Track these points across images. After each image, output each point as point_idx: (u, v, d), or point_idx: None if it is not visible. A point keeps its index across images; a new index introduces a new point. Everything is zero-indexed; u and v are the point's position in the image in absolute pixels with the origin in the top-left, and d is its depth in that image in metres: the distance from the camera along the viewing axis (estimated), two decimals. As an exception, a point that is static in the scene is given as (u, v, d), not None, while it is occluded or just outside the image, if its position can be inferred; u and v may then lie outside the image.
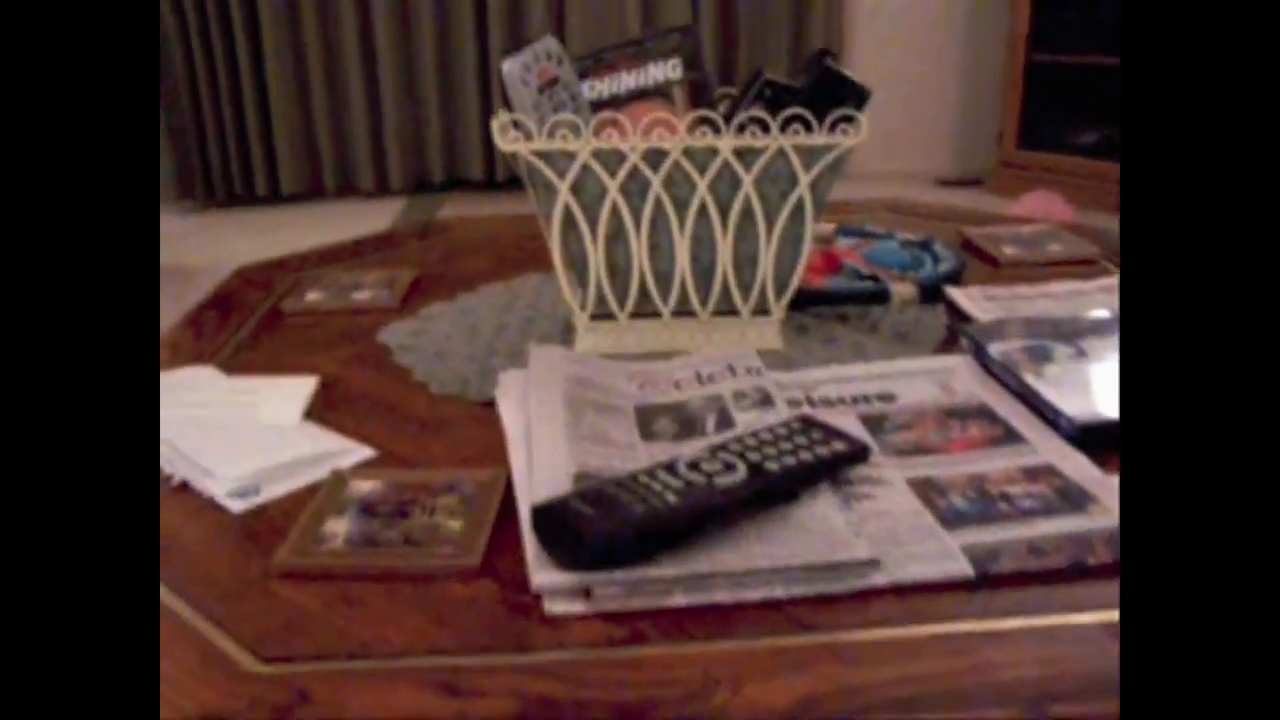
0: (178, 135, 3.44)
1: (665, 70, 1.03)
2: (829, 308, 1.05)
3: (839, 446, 0.70)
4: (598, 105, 0.96)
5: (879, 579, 0.60)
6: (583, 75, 0.99)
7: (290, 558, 0.63)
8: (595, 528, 0.59)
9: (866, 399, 0.83)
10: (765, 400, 0.81)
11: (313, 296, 1.14)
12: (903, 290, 1.07)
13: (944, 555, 0.61)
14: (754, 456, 0.67)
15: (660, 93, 1.03)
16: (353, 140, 3.51)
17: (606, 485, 0.63)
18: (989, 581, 0.60)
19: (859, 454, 0.70)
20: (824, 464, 0.68)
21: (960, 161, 3.82)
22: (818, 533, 0.63)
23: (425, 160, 3.53)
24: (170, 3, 3.28)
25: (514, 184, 3.12)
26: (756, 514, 0.65)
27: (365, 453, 0.78)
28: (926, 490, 0.69)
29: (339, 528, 0.66)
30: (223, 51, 3.36)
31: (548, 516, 0.61)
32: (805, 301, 1.04)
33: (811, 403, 0.83)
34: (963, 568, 0.60)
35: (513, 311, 1.08)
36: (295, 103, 3.44)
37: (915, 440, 0.76)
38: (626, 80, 1.03)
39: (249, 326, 1.08)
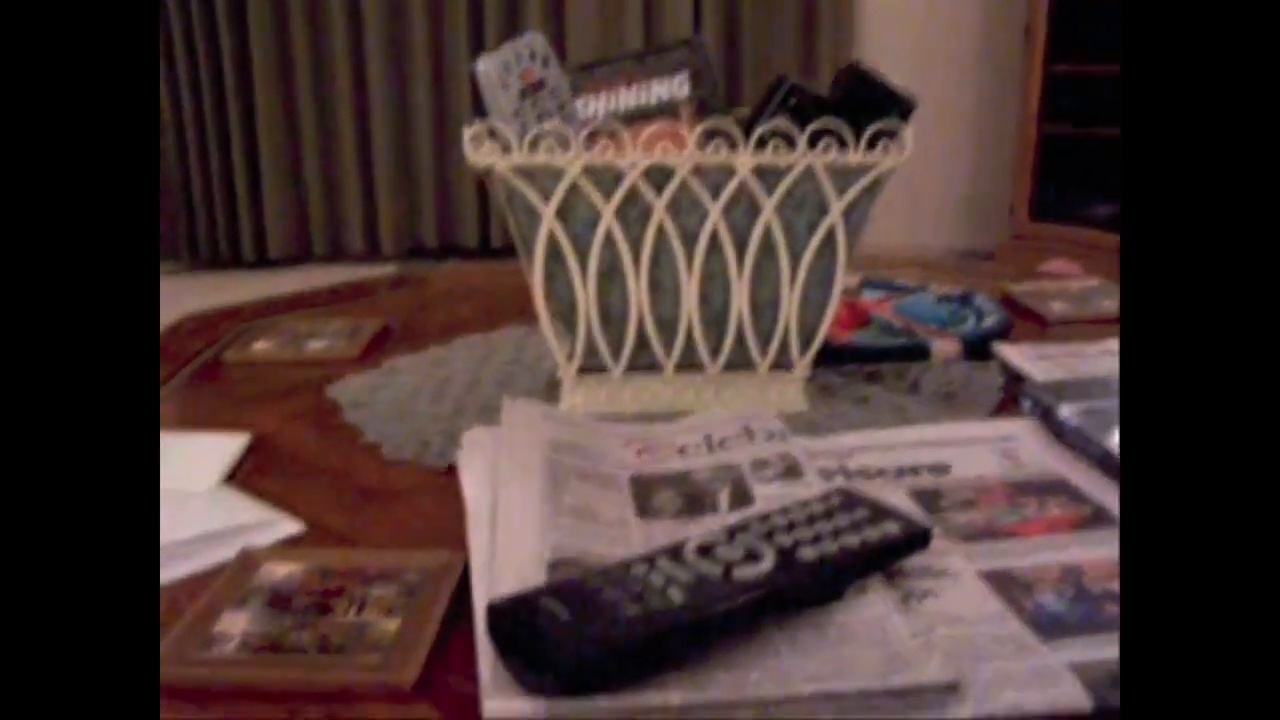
0: (164, 195, 3.33)
1: (671, 87, 0.89)
2: (858, 365, 0.90)
3: (891, 528, 0.54)
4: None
5: (961, 711, 0.43)
6: (575, 93, 0.85)
7: (162, 667, 0.46)
8: (572, 636, 0.43)
9: (915, 470, 0.68)
10: (792, 470, 0.65)
11: (260, 346, 0.99)
12: (945, 346, 0.91)
13: (1046, 677, 0.45)
14: (784, 540, 0.51)
15: (665, 113, 0.90)
16: (344, 203, 3.40)
17: (590, 577, 0.47)
18: (1110, 716, 0.44)
19: (918, 538, 0.54)
20: (874, 551, 0.52)
21: (969, 235, 3.70)
22: (872, 644, 0.47)
23: (418, 225, 3.42)
24: (162, 58, 3.19)
25: (510, 251, 3.00)
26: (790, 618, 0.49)
27: (290, 528, 0.62)
28: (1006, 586, 0.53)
29: (236, 626, 0.50)
30: (212, 109, 3.26)
31: (509, 619, 0.45)
32: (831, 358, 0.89)
33: (848, 474, 0.67)
34: (1074, 696, 0.44)
35: (489, 365, 0.92)
36: (286, 163, 3.33)
37: (983, 521, 0.60)
38: (626, 98, 0.89)
39: (180, 378, 0.93)
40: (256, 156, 3.32)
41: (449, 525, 0.61)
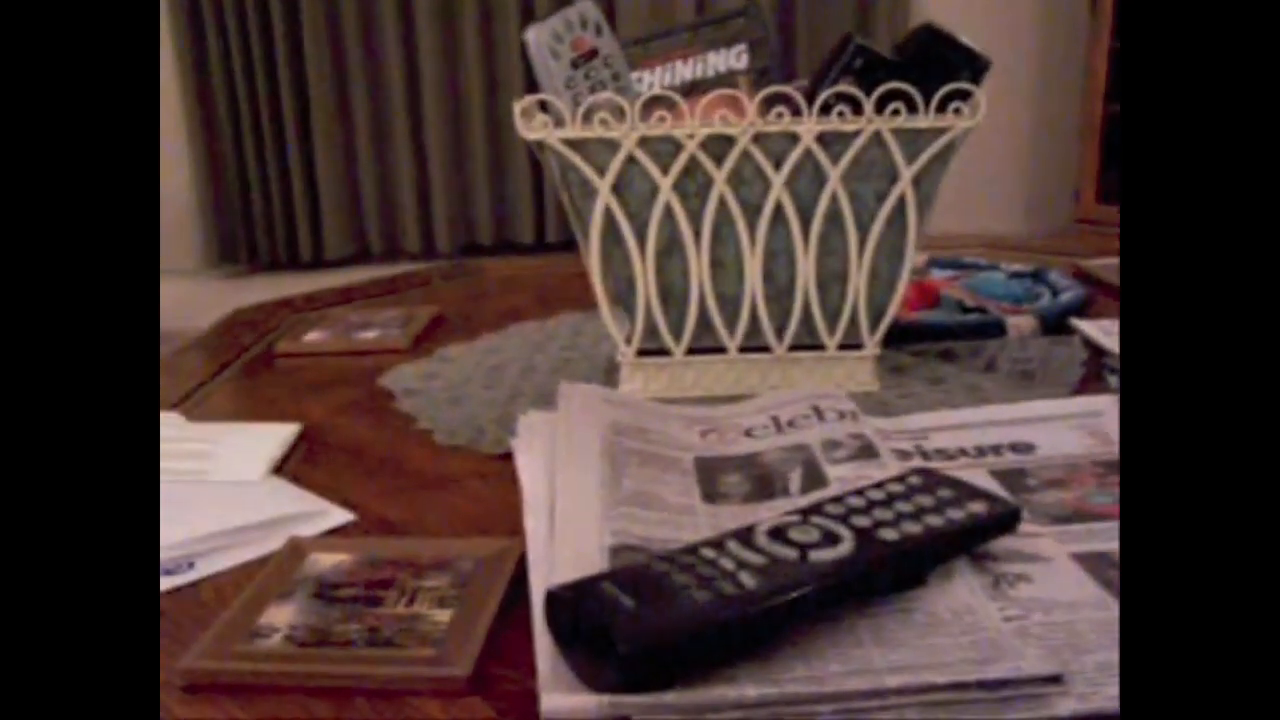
0: (222, 198, 3.35)
1: (728, 59, 0.86)
2: (930, 344, 0.85)
3: (978, 508, 0.50)
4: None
5: (1063, 707, 0.39)
6: (630, 69, 0.82)
7: (202, 661, 0.44)
8: (636, 625, 0.40)
9: (997, 450, 0.63)
10: (866, 451, 0.61)
11: (312, 337, 0.97)
12: (1021, 323, 0.87)
13: (1157, 669, 0.41)
14: (862, 521, 0.48)
15: (723, 86, 0.86)
16: (399, 202, 3.40)
17: (654, 563, 0.44)
18: (1232, 711, 0.39)
19: (1007, 518, 0.50)
20: (960, 532, 0.48)
21: (1032, 221, 3.61)
22: (963, 632, 0.43)
23: (473, 222, 3.40)
24: (219, 62, 3.21)
25: (568, 245, 2.98)
26: (871, 604, 0.45)
27: (340, 517, 0.60)
28: (1103, 570, 0.49)
29: (282, 618, 0.47)
30: (268, 112, 3.28)
31: (569, 607, 0.42)
32: (901, 337, 0.85)
33: (925, 455, 0.63)
34: (1191, 689, 0.40)
35: (545, 352, 0.89)
36: (341, 164, 3.34)
37: (1073, 502, 0.56)
38: (682, 71, 0.86)
39: (233, 370, 0.91)
40: (312, 158, 3.33)
41: (505, 513, 0.59)
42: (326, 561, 0.52)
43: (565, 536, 0.52)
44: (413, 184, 3.39)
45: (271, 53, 3.26)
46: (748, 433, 0.67)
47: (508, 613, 0.48)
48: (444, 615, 0.47)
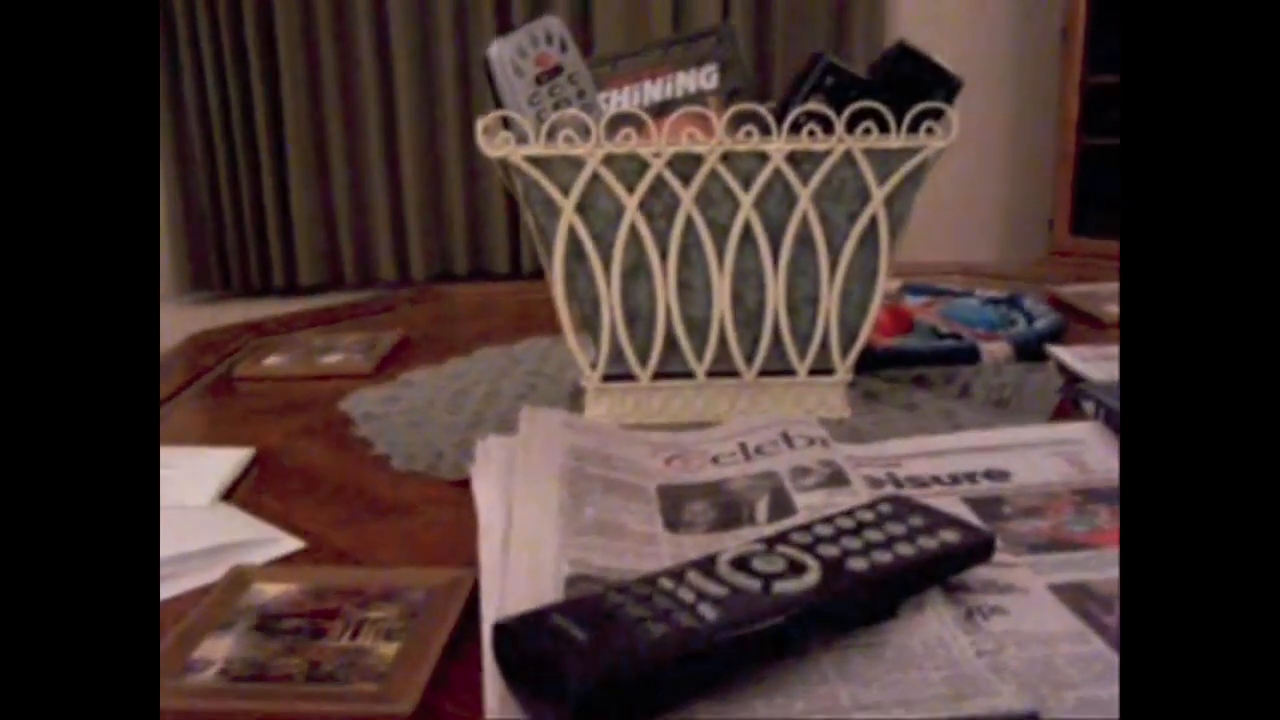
0: (195, 224, 3.32)
1: (698, 80, 0.84)
2: (903, 370, 0.84)
3: (950, 537, 0.48)
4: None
5: (1041, 745, 0.37)
6: (597, 87, 0.80)
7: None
8: (587, 660, 0.37)
9: (971, 477, 0.62)
10: (836, 478, 0.59)
11: (273, 360, 0.94)
12: (995, 349, 0.85)
13: (1137, 706, 0.39)
14: (830, 551, 0.46)
15: (692, 106, 0.84)
16: (373, 229, 3.37)
17: (609, 595, 0.42)
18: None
19: (980, 547, 0.49)
20: (932, 562, 0.46)
21: (1006, 253, 3.62)
22: (935, 667, 0.41)
23: (448, 250, 3.38)
24: (193, 84, 3.19)
25: (542, 274, 2.96)
26: (838, 638, 0.43)
27: (289, 545, 0.57)
28: (1081, 601, 0.47)
29: (219, 650, 0.45)
30: (242, 137, 3.25)
31: (518, 640, 0.40)
32: (873, 363, 0.83)
33: (897, 482, 0.61)
34: (1173, 728, 0.38)
35: (511, 377, 0.87)
36: (315, 190, 3.31)
37: (1049, 531, 0.54)
38: (651, 92, 0.84)
39: (189, 393, 0.88)
40: (286, 184, 3.30)
41: (461, 541, 0.56)
42: (270, 591, 0.50)
43: (519, 566, 0.49)
44: (387, 211, 3.37)
45: (246, 76, 3.24)
46: (714, 460, 0.65)
47: (458, 646, 0.45)
48: (390, 649, 0.44)
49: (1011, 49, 3.46)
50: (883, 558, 0.45)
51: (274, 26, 3.17)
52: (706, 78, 0.84)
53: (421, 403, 0.81)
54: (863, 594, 0.44)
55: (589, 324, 0.73)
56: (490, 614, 0.45)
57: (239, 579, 0.51)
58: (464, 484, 0.64)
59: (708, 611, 0.40)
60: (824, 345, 0.73)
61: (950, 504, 0.57)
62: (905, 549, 0.46)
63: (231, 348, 1.02)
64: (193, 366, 0.96)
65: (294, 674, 0.43)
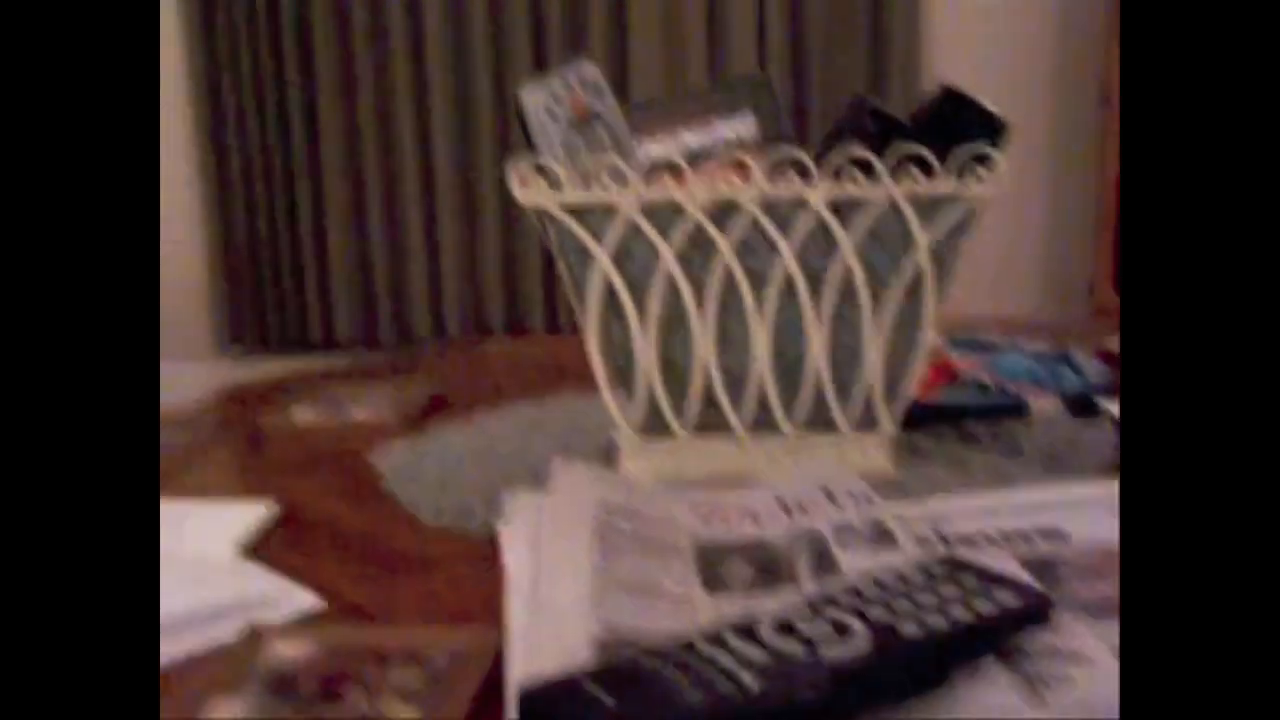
0: (233, 279, 3.35)
1: (736, 128, 0.83)
2: (950, 426, 0.81)
3: (1007, 599, 0.45)
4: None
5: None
6: (632, 135, 0.79)
7: (133, 767, 0.39)
8: (620, 730, 0.35)
9: (1025, 536, 0.58)
10: (883, 537, 0.57)
11: (301, 413, 0.93)
12: (1045, 404, 0.82)
13: (1221, 789, 0.35)
14: (879, 614, 0.43)
15: (733, 160, 0.83)
16: (410, 285, 3.38)
17: (644, 659, 0.39)
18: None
19: (1037, 610, 0.45)
20: (988, 626, 0.43)
21: (1045, 311, 3.57)
22: (995, 743, 0.38)
23: (484, 306, 3.39)
24: (236, 143, 3.24)
25: (577, 329, 2.95)
26: (889, 708, 0.40)
27: (308, 602, 0.55)
28: (1151, 673, 0.43)
29: (228, 713, 0.42)
30: (282, 193, 3.29)
31: (545, 707, 0.37)
32: (918, 419, 0.80)
33: (947, 541, 0.58)
34: (1262, 814, 0.34)
35: (543, 432, 0.85)
36: (352, 246, 3.33)
37: (1113, 594, 0.51)
38: (688, 140, 0.83)
39: (215, 447, 0.87)
40: (324, 240, 3.33)
41: (488, 600, 0.54)
42: (286, 651, 0.47)
43: (548, 627, 0.47)
44: (424, 267, 3.38)
45: (287, 133, 3.29)
46: (753, 517, 0.62)
47: (483, 712, 0.43)
48: (409, 713, 0.42)
49: (1050, 109, 3.44)
50: (936, 622, 0.42)
51: (315, 79, 3.21)
52: (744, 125, 0.82)
53: (450, 458, 0.79)
54: (916, 661, 0.41)
55: (624, 377, 0.71)
56: (516, 677, 0.43)
57: (253, 638, 0.49)
58: (492, 540, 0.61)
59: (749, 679, 0.37)
60: (867, 399, 0.70)
61: (1004, 564, 0.54)
62: (960, 612, 0.43)
63: (261, 401, 1.00)
64: (221, 420, 0.94)
65: (307, 741, 0.40)
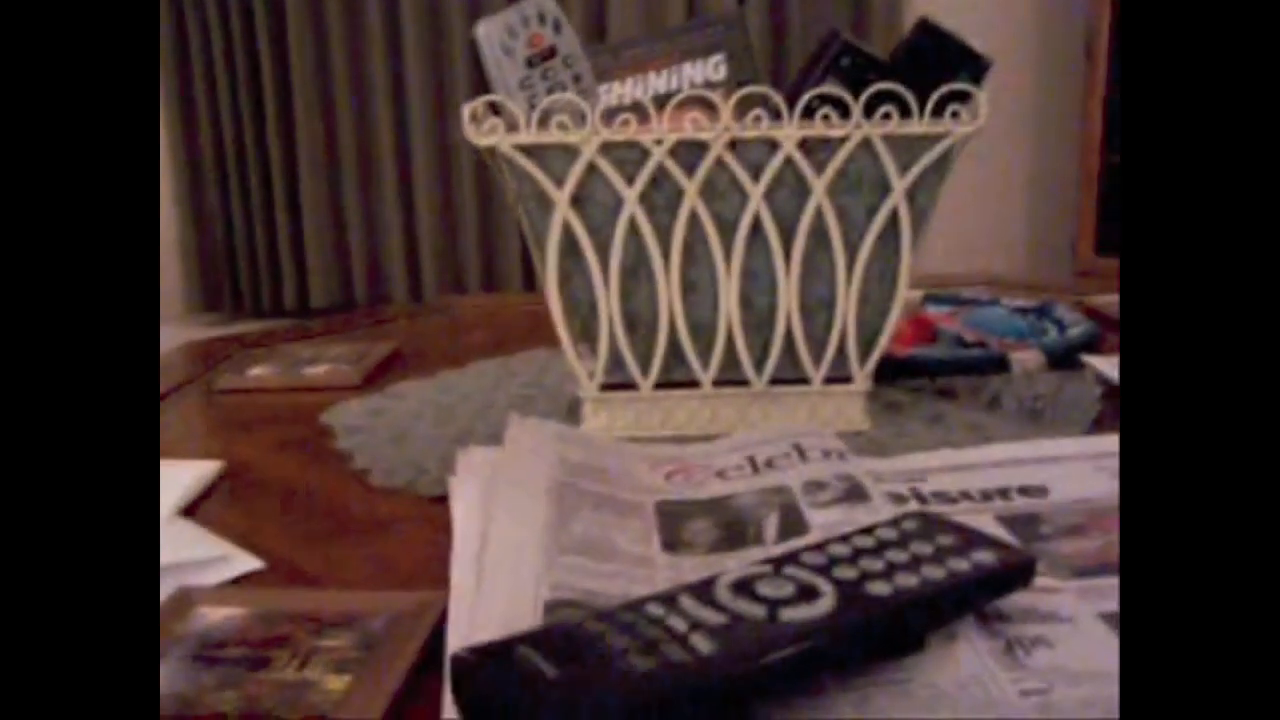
0: (205, 244, 3.30)
1: (705, 70, 0.79)
2: (927, 381, 0.78)
3: (985, 558, 0.42)
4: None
5: (1099, 806, 0.31)
6: (599, 81, 0.75)
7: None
8: (558, 699, 0.32)
9: (1005, 493, 0.56)
10: (855, 493, 0.53)
11: (256, 371, 0.89)
12: (1026, 358, 0.79)
13: (1212, 758, 0.33)
14: (847, 573, 0.40)
15: (699, 101, 0.79)
16: (386, 249, 3.34)
17: (589, 623, 0.36)
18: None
19: (1019, 570, 0.42)
20: (964, 586, 0.40)
21: (1026, 273, 3.55)
22: (972, 710, 0.35)
23: (461, 270, 3.34)
24: (206, 105, 3.17)
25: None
26: (857, 674, 0.37)
27: (245, 564, 0.52)
28: (1136, 634, 0.40)
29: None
30: (255, 157, 3.23)
31: (479, 675, 0.34)
32: (894, 372, 0.77)
33: (922, 498, 0.55)
34: (1258, 785, 0.31)
35: (504, 389, 0.82)
36: (327, 212, 3.28)
37: (1096, 553, 0.48)
38: (655, 83, 0.79)
39: (166, 404, 0.83)
40: (298, 203, 3.28)
41: (436, 563, 0.50)
42: (215, 615, 0.44)
43: (494, 589, 0.44)
44: (400, 231, 3.33)
45: (259, 97, 3.22)
46: (719, 474, 0.59)
47: (418, 680, 0.40)
48: (339, 682, 0.39)
49: (1033, 65, 3.40)
50: (908, 581, 0.39)
51: (286, 43, 3.15)
52: (714, 68, 0.78)
53: (407, 416, 0.75)
54: (885, 623, 0.38)
55: (587, 330, 0.68)
56: (456, 644, 0.39)
57: (181, 601, 0.45)
58: (446, 501, 0.58)
59: (702, 643, 0.34)
60: (841, 352, 0.67)
61: (982, 522, 0.51)
62: (934, 571, 0.40)
63: (219, 358, 0.97)
64: (176, 377, 0.91)
65: (227, 712, 0.37)
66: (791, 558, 0.41)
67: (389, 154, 3.24)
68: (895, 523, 0.45)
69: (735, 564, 0.44)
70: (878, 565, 0.40)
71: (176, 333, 3.23)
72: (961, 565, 0.41)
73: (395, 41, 3.20)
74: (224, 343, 1.04)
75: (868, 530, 0.44)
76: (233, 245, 3.32)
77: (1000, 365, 0.78)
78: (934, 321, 0.89)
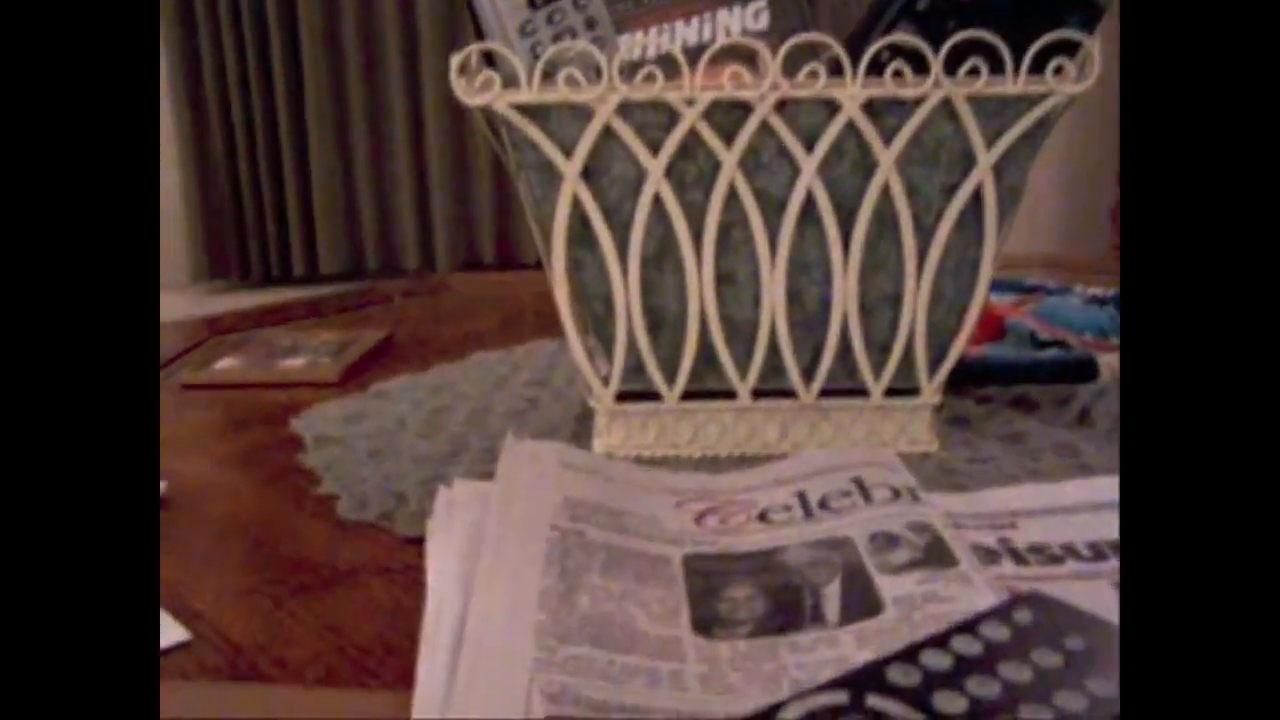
0: (211, 208, 3.19)
1: (744, 19, 0.67)
2: (999, 388, 0.66)
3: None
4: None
5: None
6: (617, 31, 0.63)
7: None
8: None
9: (1117, 548, 0.44)
10: (936, 553, 0.42)
11: (225, 364, 0.78)
12: (1114, 361, 0.68)
13: None
14: (951, 706, 0.28)
15: (737, 56, 0.67)
16: (397, 215, 3.23)
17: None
18: None
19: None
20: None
21: (1060, 244, 3.41)
22: None
23: (475, 237, 3.23)
24: (213, 68, 3.06)
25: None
26: None
27: (170, 635, 0.41)
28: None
29: None
30: (262, 119, 3.12)
31: None
32: (962, 379, 0.66)
33: (1018, 557, 0.44)
34: None
35: (506, 389, 0.71)
36: (337, 176, 3.17)
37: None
38: (684, 34, 0.67)
39: (113, 405, 0.72)
40: (307, 167, 3.17)
41: (407, 640, 0.40)
42: None
43: (472, 693, 0.33)
44: (412, 196, 3.23)
45: (267, 58, 3.11)
46: (762, 516, 0.47)
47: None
48: None
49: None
50: (1040, 716, 0.28)
51: (296, 9, 3.04)
52: (754, 16, 0.66)
53: (391, 422, 0.64)
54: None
55: (600, 328, 0.56)
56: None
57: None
58: (424, 544, 0.47)
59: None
60: (907, 358, 0.56)
61: (1097, 592, 0.40)
62: (1071, 701, 0.29)
63: (185, 347, 0.86)
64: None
65: None
66: (872, 675, 0.30)
67: (400, 115, 3.13)
68: (1004, 614, 0.34)
69: (790, 656, 0.34)
70: (993, 691, 0.29)
71: (182, 301, 3.14)
72: (1106, 689, 0.30)
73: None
74: (196, 326, 0.93)
75: (969, 627, 0.33)
76: (240, 210, 3.22)
77: (1087, 370, 0.67)
78: (1001, 314, 0.78)
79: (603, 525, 0.44)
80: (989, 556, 0.43)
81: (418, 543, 0.48)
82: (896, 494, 0.47)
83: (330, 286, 3.21)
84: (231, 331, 0.90)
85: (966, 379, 0.66)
